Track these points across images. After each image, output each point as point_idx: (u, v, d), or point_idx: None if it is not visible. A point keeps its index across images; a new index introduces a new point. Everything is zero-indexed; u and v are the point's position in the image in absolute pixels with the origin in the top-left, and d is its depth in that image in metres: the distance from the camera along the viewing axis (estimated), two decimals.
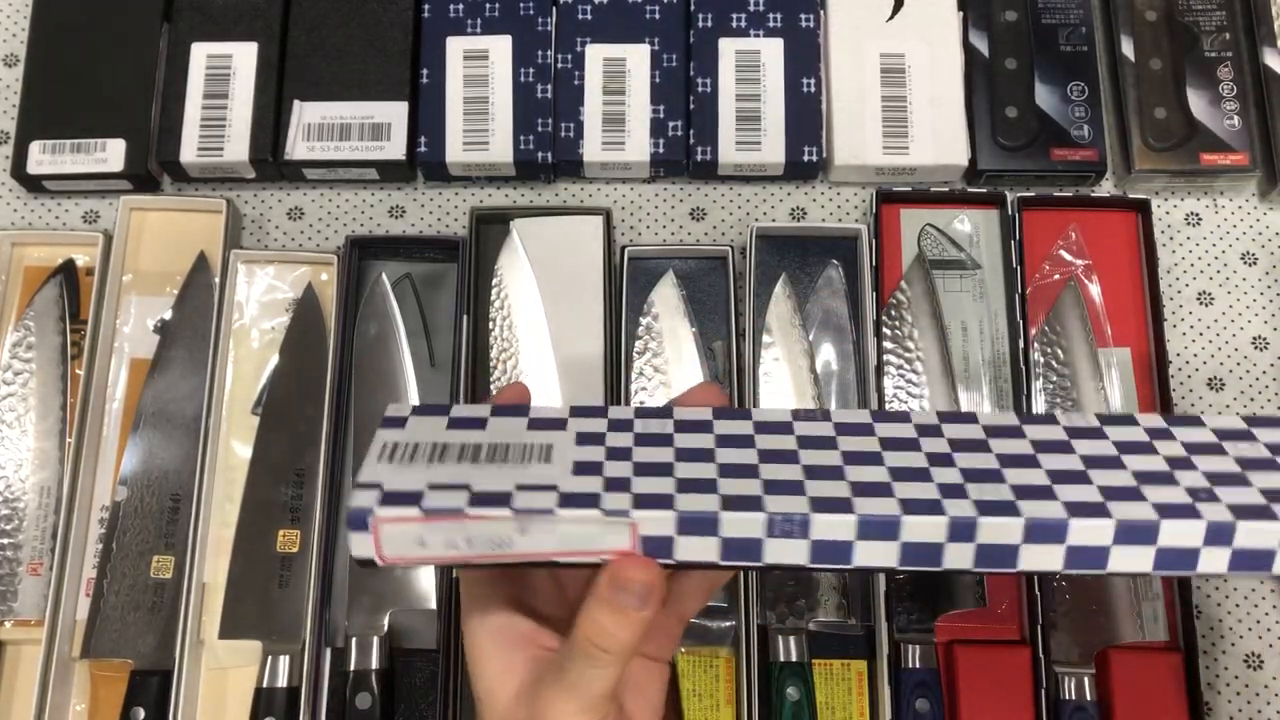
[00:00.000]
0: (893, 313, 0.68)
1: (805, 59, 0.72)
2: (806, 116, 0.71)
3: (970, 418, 0.44)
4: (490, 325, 0.68)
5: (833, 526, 0.39)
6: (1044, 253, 0.70)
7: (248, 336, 0.69)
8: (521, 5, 0.73)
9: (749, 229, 0.69)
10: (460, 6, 0.73)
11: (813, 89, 0.72)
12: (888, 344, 0.67)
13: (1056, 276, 0.70)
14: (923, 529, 0.39)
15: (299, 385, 0.67)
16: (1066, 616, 0.63)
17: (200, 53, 0.72)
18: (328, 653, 0.63)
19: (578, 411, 0.44)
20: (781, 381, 0.67)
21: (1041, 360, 0.68)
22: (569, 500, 0.39)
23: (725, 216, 0.73)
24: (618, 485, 0.40)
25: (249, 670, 0.63)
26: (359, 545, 0.39)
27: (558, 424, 0.43)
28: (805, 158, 0.71)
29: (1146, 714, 0.62)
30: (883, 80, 0.72)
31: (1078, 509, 0.39)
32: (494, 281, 0.69)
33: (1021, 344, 0.67)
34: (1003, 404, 0.68)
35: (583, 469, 0.41)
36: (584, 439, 0.42)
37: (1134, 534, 0.39)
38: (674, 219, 0.73)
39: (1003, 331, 0.69)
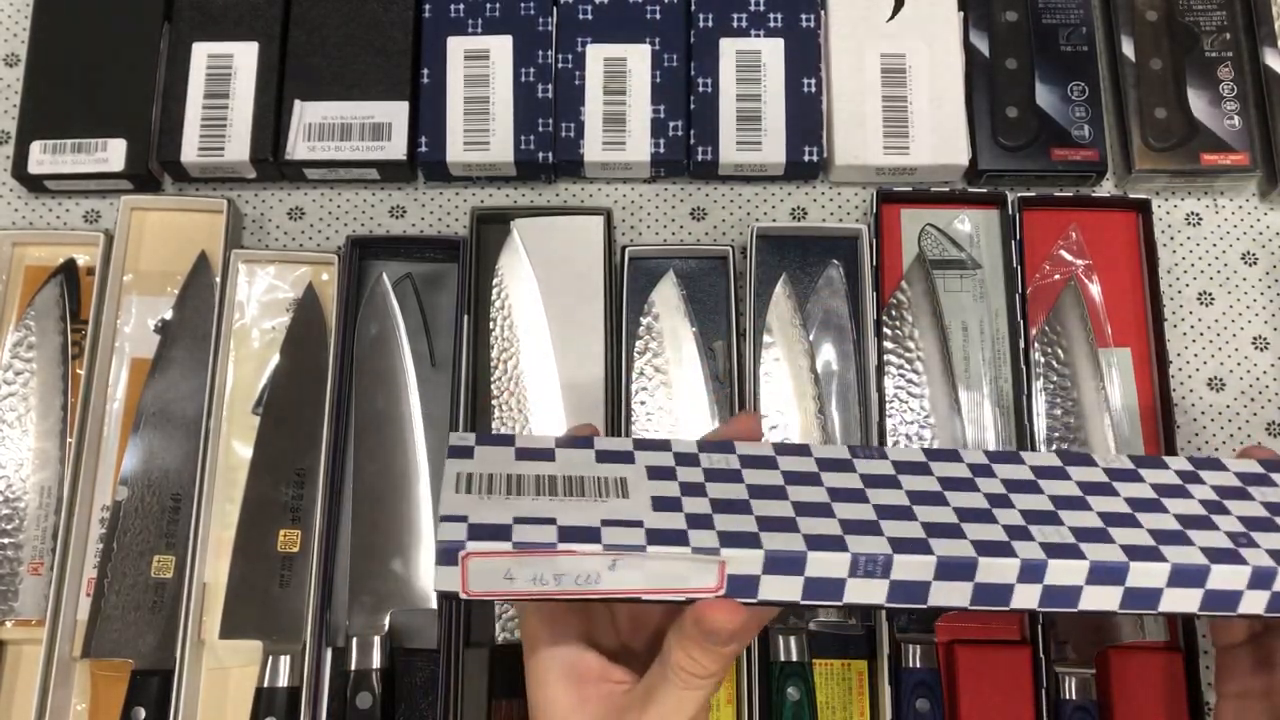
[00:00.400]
0: (893, 313, 0.68)
1: (805, 59, 0.72)
2: (807, 116, 0.71)
3: (1015, 457, 0.46)
4: (491, 325, 0.68)
5: (913, 567, 0.40)
6: (1044, 253, 0.70)
7: (248, 336, 0.69)
8: (522, 5, 0.73)
9: (749, 229, 0.69)
10: (461, 6, 0.73)
11: (813, 89, 0.72)
12: (888, 344, 0.68)
13: (1057, 276, 0.70)
14: (997, 570, 0.40)
15: (299, 385, 0.67)
16: (1067, 616, 0.63)
17: (201, 53, 0.72)
18: (328, 652, 0.63)
19: (641, 445, 0.45)
20: (781, 381, 0.67)
21: (1041, 360, 0.68)
22: (657, 537, 0.39)
23: (725, 216, 0.73)
24: (701, 522, 0.40)
25: (250, 670, 0.63)
26: (445, 579, 0.39)
27: (625, 457, 0.44)
28: (805, 158, 0.71)
29: (1146, 714, 0.62)
30: (883, 80, 0.72)
31: (1135, 553, 0.41)
32: (494, 281, 0.69)
33: (1022, 344, 0.67)
34: (1003, 404, 0.68)
35: (662, 504, 0.41)
36: (655, 473, 0.43)
37: (1186, 578, 0.41)
38: (674, 219, 0.73)
39: (1003, 331, 0.69)
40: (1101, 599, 0.41)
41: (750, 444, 0.45)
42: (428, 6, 0.73)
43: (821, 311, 0.69)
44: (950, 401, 0.67)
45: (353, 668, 0.62)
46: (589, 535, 0.39)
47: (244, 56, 0.72)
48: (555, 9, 0.73)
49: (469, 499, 0.41)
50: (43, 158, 0.70)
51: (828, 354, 0.68)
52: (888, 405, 0.66)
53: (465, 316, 0.67)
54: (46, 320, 0.68)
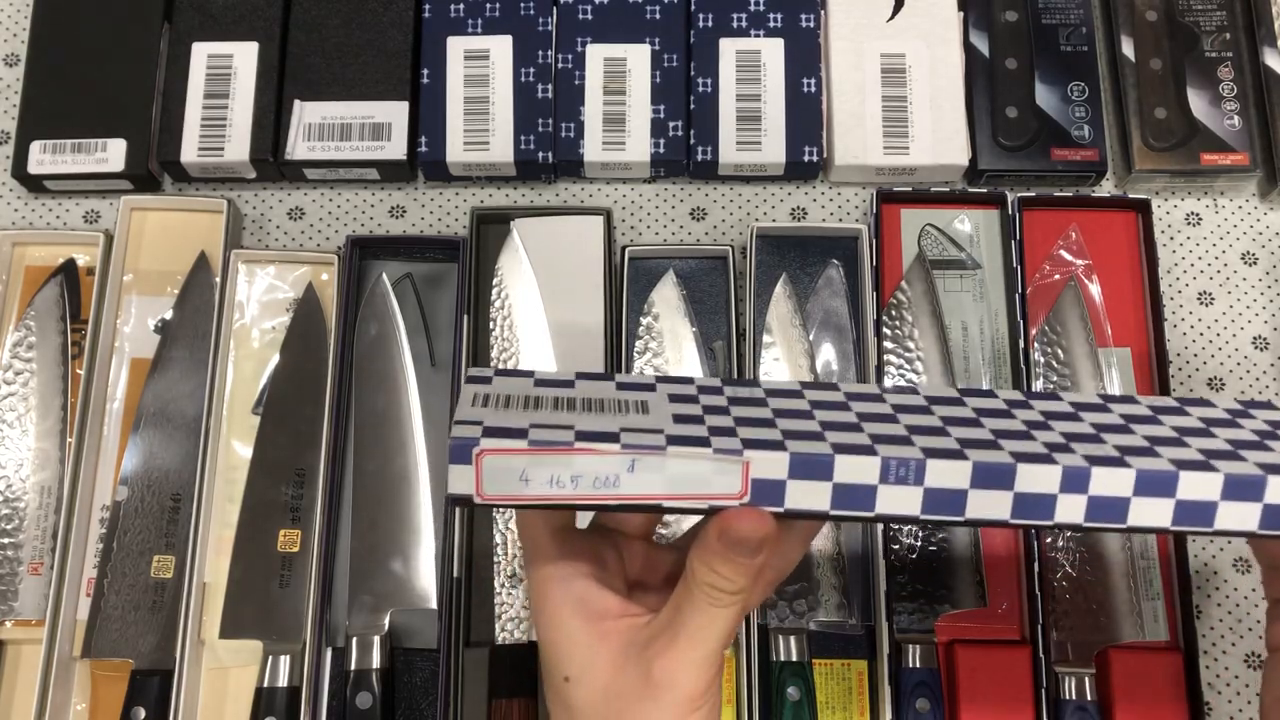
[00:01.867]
0: (893, 313, 0.68)
1: (805, 59, 0.72)
2: (807, 116, 0.71)
3: (1054, 396, 0.44)
4: (490, 325, 0.68)
5: (948, 473, 0.38)
6: (1044, 253, 0.70)
7: (248, 336, 0.69)
8: (522, 5, 0.73)
9: (749, 229, 0.69)
10: (461, 6, 0.73)
11: (813, 89, 0.72)
12: (888, 344, 0.68)
13: (1056, 276, 0.70)
14: (1037, 478, 0.38)
15: (299, 385, 0.67)
16: (1066, 616, 0.63)
17: (201, 53, 0.72)
18: (328, 652, 0.63)
19: (663, 379, 0.44)
20: None
21: (1041, 360, 0.68)
22: (678, 441, 0.38)
23: (725, 216, 0.73)
24: (724, 432, 0.39)
25: (250, 670, 0.63)
26: (459, 480, 0.37)
27: (646, 387, 0.43)
28: (805, 158, 0.71)
29: (1146, 714, 0.62)
30: (883, 80, 0.72)
31: (1184, 464, 0.39)
32: (494, 281, 0.69)
33: (1021, 344, 0.67)
34: None
35: (684, 420, 0.40)
36: (676, 399, 0.42)
37: (1242, 489, 0.39)
38: (674, 219, 0.73)
39: (1003, 331, 0.69)
40: (1151, 513, 0.38)
41: (775, 380, 0.44)
42: (428, 6, 0.73)
43: (821, 311, 0.69)
44: None
45: (353, 668, 0.62)
46: (608, 438, 0.38)
47: (244, 56, 0.72)
48: (555, 9, 0.73)
49: (485, 410, 0.39)
50: (43, 158, 0.70)
51: (828, 354, 0.68)
52: None
53: (465, 316, 0.67)
54: (46, 320, 0.68)
